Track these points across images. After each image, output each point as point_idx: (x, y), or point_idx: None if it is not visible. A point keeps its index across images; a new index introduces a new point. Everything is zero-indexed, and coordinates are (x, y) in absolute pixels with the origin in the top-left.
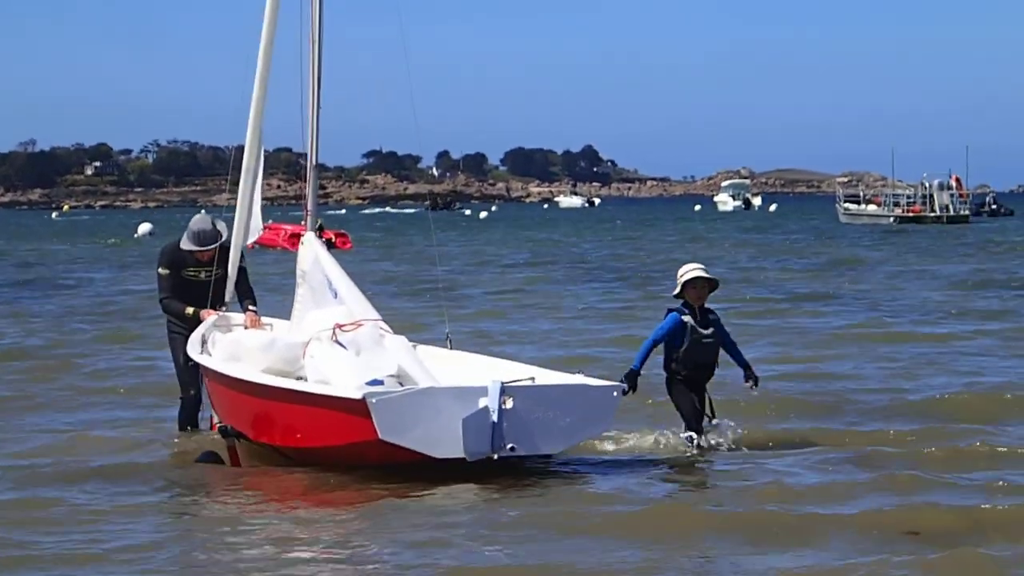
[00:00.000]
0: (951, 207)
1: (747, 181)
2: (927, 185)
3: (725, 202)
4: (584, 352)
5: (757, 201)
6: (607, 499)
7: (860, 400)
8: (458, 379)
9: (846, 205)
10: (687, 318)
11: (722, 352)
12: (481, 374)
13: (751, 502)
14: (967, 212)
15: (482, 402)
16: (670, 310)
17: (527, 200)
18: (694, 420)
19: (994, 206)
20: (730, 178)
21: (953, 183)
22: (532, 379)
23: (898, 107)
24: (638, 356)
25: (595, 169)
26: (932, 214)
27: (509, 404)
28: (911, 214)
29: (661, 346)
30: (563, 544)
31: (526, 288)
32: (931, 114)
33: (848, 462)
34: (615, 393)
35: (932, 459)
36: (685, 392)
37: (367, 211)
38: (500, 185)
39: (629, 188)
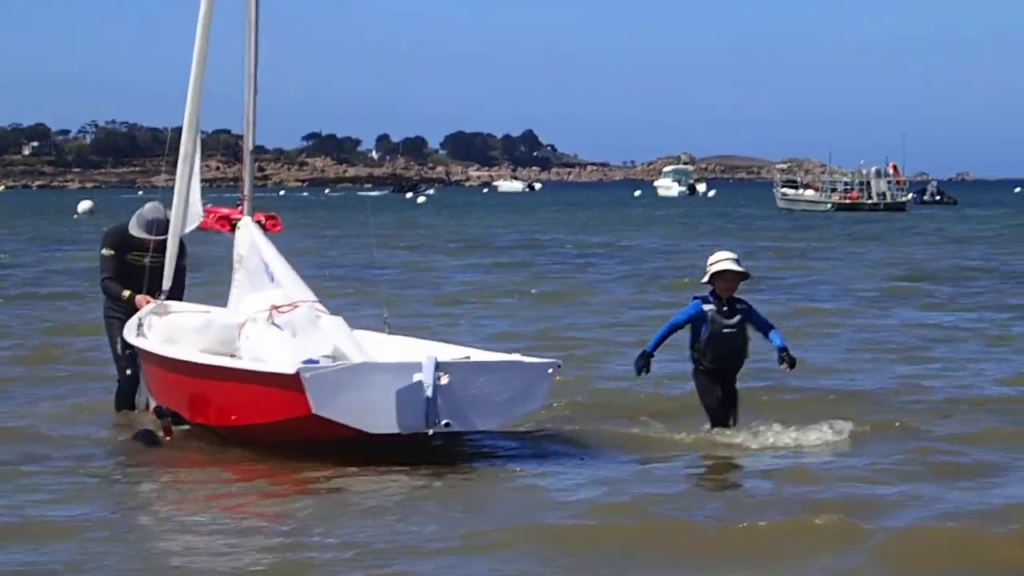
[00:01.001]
0: (888, 194)
1: (690, 167)
2: (864, 172)
3: (669, 187)
4: (520, 329)
5: (702, 187)
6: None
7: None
8: (395, 357)
9: (783, 191)
10: (709, 307)
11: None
12: (417, 354)
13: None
14: (905, 199)
15: (416, 377)
16: (696, 297)
17: (467, 184)
18: (719, 414)
19: (938, 196)
20: (670, 164)
21: (891, 170)
22: (467, 357)
23: (838, 95)
24: (653, 338)
25: (535, 154)
26: (869, 201)
27: (444, 380)
28: (848, 201)
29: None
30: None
31: (472, 275)
32: (871, 103)
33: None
34: (550, 370)
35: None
36: (709, 385)
37: (335, 193)
38: (440, 169)
39: (569, 173)
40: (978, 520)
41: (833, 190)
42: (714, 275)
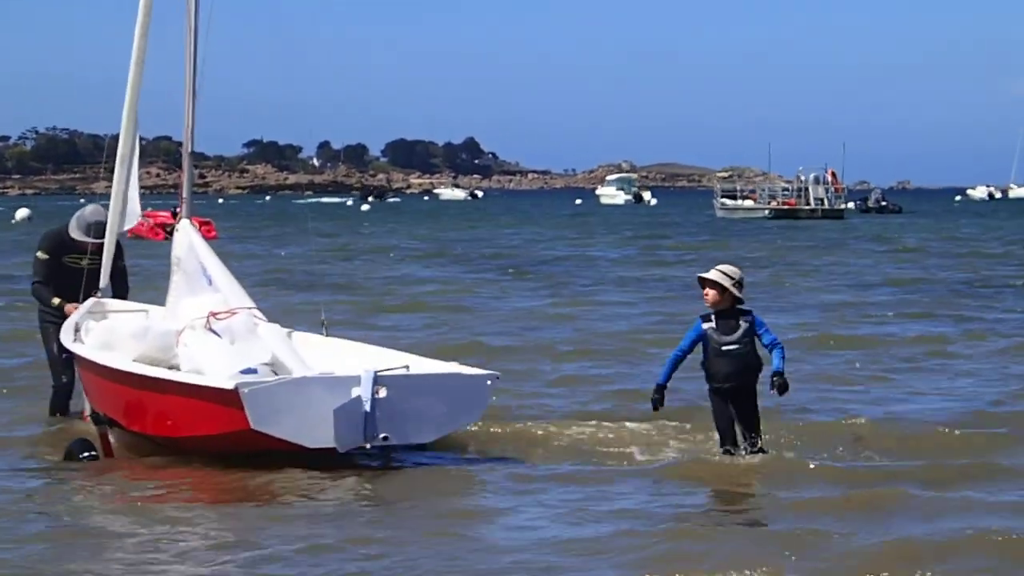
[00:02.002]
0: (826, 201)
1: (634, 175)
2: (802, 179)
3: (614, 196)
4: (461, 339)
5: (647, 195)
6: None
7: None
8: (333, 367)
9: (723, 200)
10: (708, 325)
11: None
12: (356, 362)
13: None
14: (842, 206)
15: (355, 392)
16: (701, 316)
17: (408, 192)
18: (727, 436)
19: (883, 203)
20: (611, 172)
21: (829, 177)
22: (406, 367)
23: (779, 103)
24: (664, 369)
25: (476, 161)
26: (807, 207)
27: (382, 393)
28: (786, 207)
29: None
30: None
31: (417, 280)
32: (812, 111)
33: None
34: (488, 382)
35: None
36: (720, 404)
37: (301, 201)
38: (381, 176)
39: (510, 180)
40: None
41: (772, 197)
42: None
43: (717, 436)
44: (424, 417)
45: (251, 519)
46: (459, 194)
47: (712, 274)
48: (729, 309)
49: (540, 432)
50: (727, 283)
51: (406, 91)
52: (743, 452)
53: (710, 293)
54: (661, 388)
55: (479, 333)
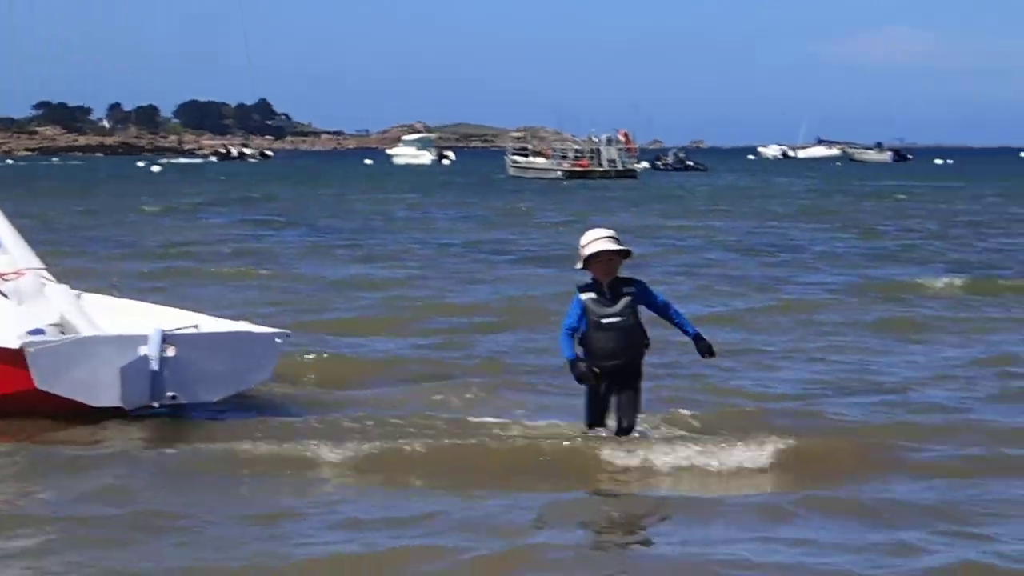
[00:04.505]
0: (619, 161)
1: (432, 135)
2: (595, 140)
3: (418, 155)
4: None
5: (451, 155)
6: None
7: None
8: (122, 327)
9: (514, 158)
10: (587, 296)
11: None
12: (145, 322)
13: None
14: (635, 166)
15: (142, 350)
16: (578, 288)
17: (199, 153)
18: (596, 415)
19: (688, 162)
20: (405, 132)
21: (621, 138)
22: (195, 327)
23: (570, 64)
24: (565, 348)
25: (269, 122)
26: (600, 168)
27: (171, 352)
28: (579, 168)
29: None
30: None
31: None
32: (603, 72)
33: None
34: (278, 340)
35: None
36: (593, 390)
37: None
38: (173, 138)
39: (303, 141)
40: None
41: (564, 157)
42: (589, 259)
43: (585, 416)
44: (214, 376)
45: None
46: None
47: (615, 245)
48: (613, 278)
49: (337, 392)
50: (620, 247)
51: (198, 51)
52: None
53: (611, 264)
54: (573, 362)
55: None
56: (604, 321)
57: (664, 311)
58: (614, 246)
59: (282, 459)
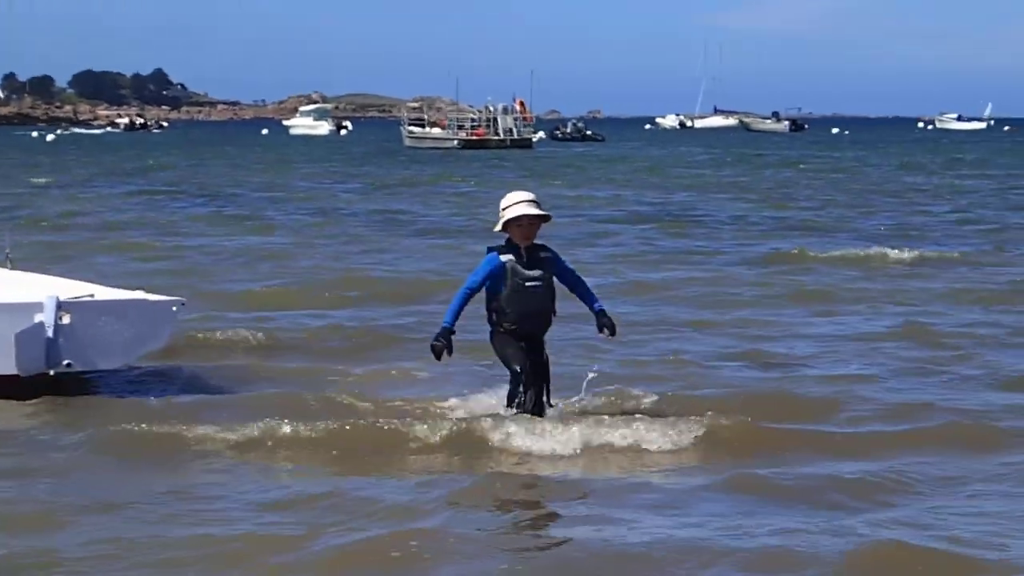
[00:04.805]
0: (515, 130)
1: (329, 105)
2: (491, 109)
3: (314, 126)
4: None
5: (349, 125)
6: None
7: None
8: (16, 297)
9: (410, 128)
10: (507, 258)
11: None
12: (41, 292)
13: None
14: (531, 136)
15: (37, 318)
16: (490, 249)
17: (95, 123)
18: (524, 379)
19: (587, 132)
20: (302, 102)
21: (517, 107)
22: (91, 296)
23: (467, 35)
24: (450, 310)
25: (165, 92)
26: (496, 137)
27: (66, 320)
28: (475, 137)
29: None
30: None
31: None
32: (500, 41)
33: None
34: (174, 307)
35: None
36: (513, 342)
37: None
38: (68, 108)
39: (199, 112)
40: None
41: (460, 127)
42: (509, 223)
43: (510, 382)
44: (109, 343)
45: None
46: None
47: (537, 210)
48: (530, 243)
49: (243, 361)
50: (541, 212)
51: (94, 21)
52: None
53: (531, 229)
54: (448, 332)
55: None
56: (527, 284)
57: (573, 282)
58: (535, 211)
59: (162, 438)
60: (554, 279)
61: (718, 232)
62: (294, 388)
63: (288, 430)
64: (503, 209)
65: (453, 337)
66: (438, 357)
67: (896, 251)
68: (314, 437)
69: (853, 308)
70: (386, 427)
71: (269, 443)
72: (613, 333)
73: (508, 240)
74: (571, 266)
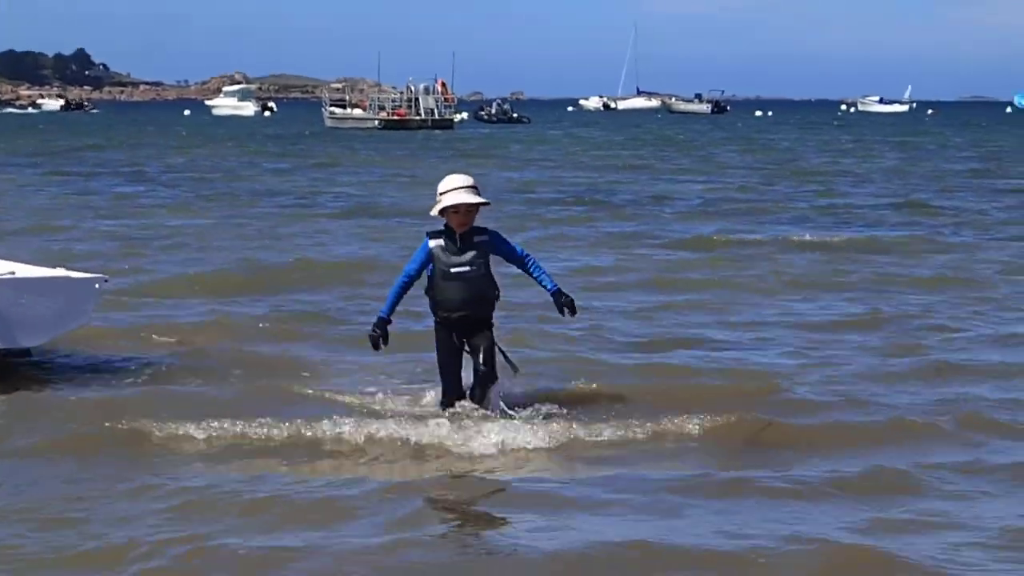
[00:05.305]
0: (436, 111)
1: (252, 86)
2: (413, 89)
3: (239, 107)
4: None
5: (273, 106)
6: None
7: None
8: None
9: (332, 109)
10: (435, 243)
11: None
12: None
13: None
14: (453, 116)
15: None
16: (428, 234)
17: (16, 104)
18: (452, 385)
19: (514, 114)
20: (225, 83)
21: (439, 87)
22: (12, 273)
23: (390, 16)
24: (387, 299)
25: (87, 73)
26: (417, 118)
27: None
28: (396, 117)
29: None
30: None
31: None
32: (422, 23)
33: None
34: (96, 285)
35: None
36: (447, 341)
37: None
38: None
39: (122, 92)
40: None
41: (381, 108)
42: (445, 209)
43: (440, 386)
44: (32, 321)
45: None
46: (54, 104)
47: (474, 198)
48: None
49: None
50: (478, 199)
51: (15, 2)
52: (469, 408)
53: (467, 216)
54: (384, 322)
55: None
56: (452, 270)
57: (522, 263)
58: (472, 198)
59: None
60: (489, 263)
61: (661, 213)
62: (210, 380)
63: (186, 431)
64: (440, 193)
65: (390, 327)
66: (375, 347)
67: (842, 236)
68: (215, 436)
69: (795, 293)
70: (298, 430)
71: (179, 441)
72: (573, 312)
73: (446, 224)
74: (518, 247)
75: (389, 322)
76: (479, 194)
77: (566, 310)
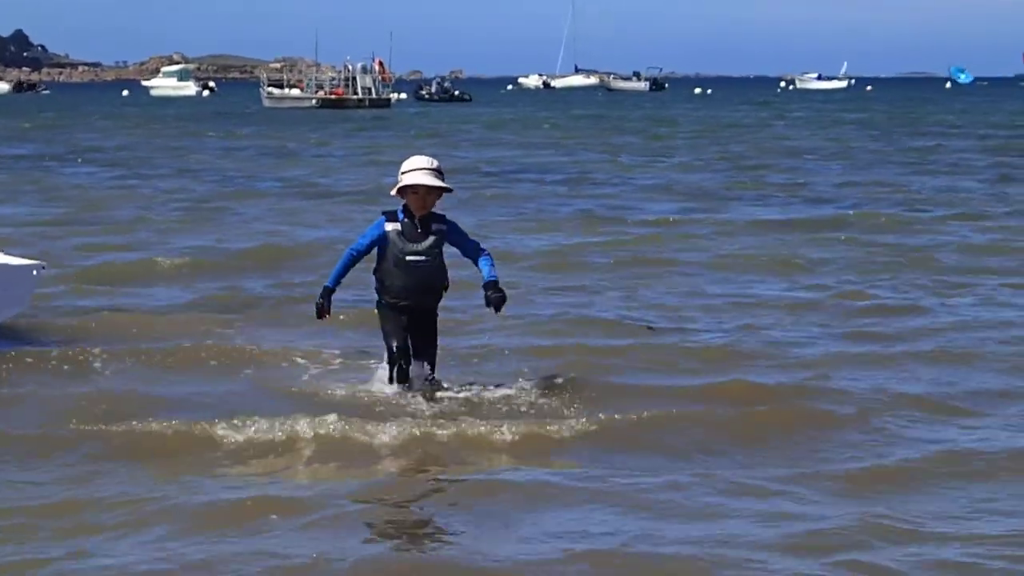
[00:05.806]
0: (374, 90)
1: (191, 66)
2: (350, 68)
3: (178, 87)
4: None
5: (214, 86)
6: None
7: None
8: None
9: (269, 89)
10: (392, 226)
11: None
12: None
13: None
14: (391, 96)
15: None
16: (384, 213)
17: None
18: (401, 352)
19: (456, 92)
20: (163, 63)
21: (376, 67)
22: None
23: None
24: (334, 270)
25: (26, 54)
26: (355, 97)
27: None
28: (334, 97)
29: None
30: None
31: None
32: (360, 2)
33: None
34: (34, 271)
35: None
36: (394, 317)
37: None
38: None
39: (60, 73)
40: None
41: (319, 87)
42: (405, 188)
43: (385, 358)
44: None
45: None
46: (6, 87)
47: (436, 181)
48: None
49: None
50: (440, 183)
51: None
52: (421, 382)
53: (427, 199)
54: (329, 292)
55: None
56: (408, 258)
57: (475, 255)
58: (434, 181)
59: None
60: (443, 252)
61: (619, 191)
62: (133, 373)
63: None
64: (402, 173)
65: (334, 297)
66: (319, 316)
67: (806, 219)
68: (118, 431)
69: (750, 275)
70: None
71: (79, 438)
72: (498, 310)
73: (405, 206)
74: (472, 238)
75: (333, 291)
76: (442, 179)
77: (493, 304)
